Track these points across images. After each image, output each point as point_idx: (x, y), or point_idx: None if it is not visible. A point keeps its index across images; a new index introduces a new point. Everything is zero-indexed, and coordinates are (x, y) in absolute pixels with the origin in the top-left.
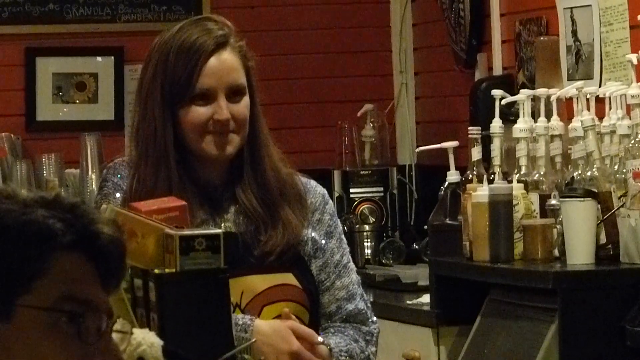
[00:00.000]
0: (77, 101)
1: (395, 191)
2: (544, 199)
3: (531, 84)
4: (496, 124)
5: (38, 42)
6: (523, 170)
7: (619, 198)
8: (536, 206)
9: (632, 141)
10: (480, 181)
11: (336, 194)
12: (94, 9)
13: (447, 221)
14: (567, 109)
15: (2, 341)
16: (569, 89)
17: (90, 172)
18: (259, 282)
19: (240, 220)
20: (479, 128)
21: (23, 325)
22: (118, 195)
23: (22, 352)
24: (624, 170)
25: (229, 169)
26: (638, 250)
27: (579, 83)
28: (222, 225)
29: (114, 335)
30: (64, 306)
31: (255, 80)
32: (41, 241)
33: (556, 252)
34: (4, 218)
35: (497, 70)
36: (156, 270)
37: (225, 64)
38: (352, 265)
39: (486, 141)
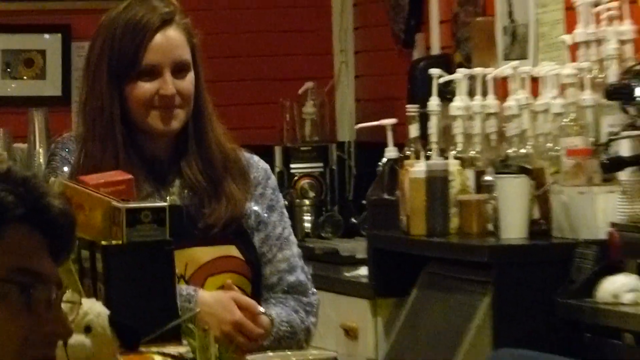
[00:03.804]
0: (25, 77)
1: (334, 167)
2: (479, 175)
3: (468, 63)
4: (433, 102)
5: None
6: (459, 147)
7: (552, 175)
8: (472, 182)
9: (565, 119)
10: (418, 157)
11: (277, 169)
12: None
13: (385, 196)
14: (502, 88)
15: None
16: (505, 69)
17: (37, 147)
18: (203, 254)
19: (185, 193)
20: (417, 106)
21: None
22: (66, 169)
23: None
24: (557, 148)
25: (174, 143)
26: (570, 225)
27: (514, 63)
28: (168, 198)
29: (63, 306)
30: (14, 277)
31: (200, 56)
32: None
33: (491, 227)
34: None
35: (435, 50)
36: (103, 242)
37: (171, 40)
38: (293, 238)
39: (424, 119)
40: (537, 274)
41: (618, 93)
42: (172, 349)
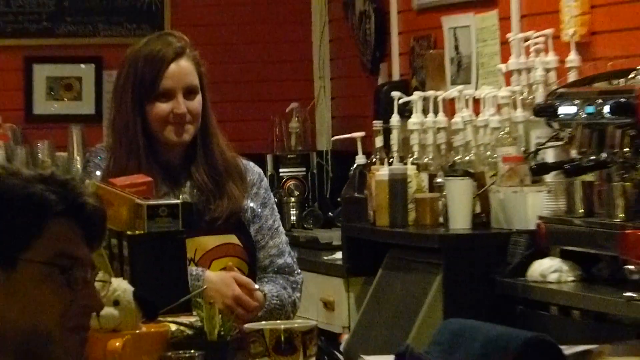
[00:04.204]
0: (65, 99)
1: (315, 171)
2: (432, 177)
3: (422, 87)
4: (394, 119)
5: (34, 52)
6: (415, 155)
7: (491, 177)
8: (426, 183)
9: (501, 133)
10: (382, 163)
11: (269, 173)
12: (79, 26)
13: (356, 195)
14: (450, 107)
15: (8, 287)
16: (452, 92)
17: (75, 155)
18: (209, 241)
19: (194, 192)
20: (381, 122)
21: (25, 275)
22: (98, 173)
23: (24, 297)
24: (495, 156)
25: (185, 152)
26: (505, 218)
27: (460, 87)
28: (180, 196)
29: (96, 284)
30: (57, 261)
31: (206, 82)
32: (39, 209)
33: (441, 219)
34: (10, 191)
35: (396, 77)
36: (128, 232)
37: (182, 69)
38: (281, 228)
39: (387, 132)
40: (479, 258)
41: (544, 111)
42: (184, 319)
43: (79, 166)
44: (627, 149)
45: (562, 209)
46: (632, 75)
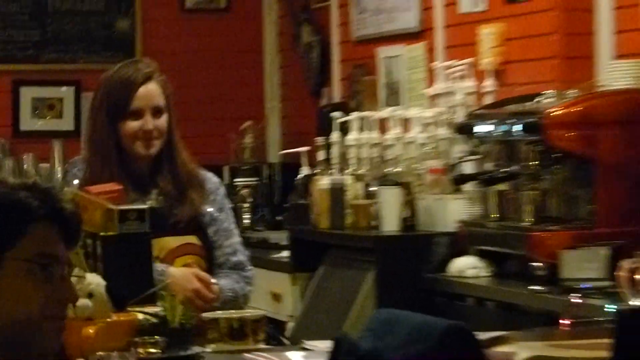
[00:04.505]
0: (48, 117)
1: (265, 180)
2: (366, 186)
3: (359, 108)
4: (335, 136)
5: (21, 76)
6: (353, 167)
7: (417, 186)
8: (361, 191)
9: (427, 148)
10: (323, 174)
11: (225, 182)
12: (60, 54)
13: (301, 201)
14: (383, 126)
15: None
16: (384, 112)
17: (56, 166)
18: (172, 241)
19: (160, 199)
20: (324, 138)
21: (9, 271)
22: (76, 182)
23: (8, 290)
24: (421, 168)
25: (152, 164)
26: (430, 221)
27: (392, 108)
28: (147, 203)
29: (72, 278)
30: (38, 259)
31: (172, 103)
32: (23, 213)
33: (374, 223)
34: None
35: (336, 99)
36: (102, 233)
37: (150, 92)
38: (236, 230)
39: (328, 147)
40: (406, 256)
41: (463, 130)
42: (150, 309)
43: (59, 176)
44: (534, 163)
45: (478, 214)
46: (538, 99)
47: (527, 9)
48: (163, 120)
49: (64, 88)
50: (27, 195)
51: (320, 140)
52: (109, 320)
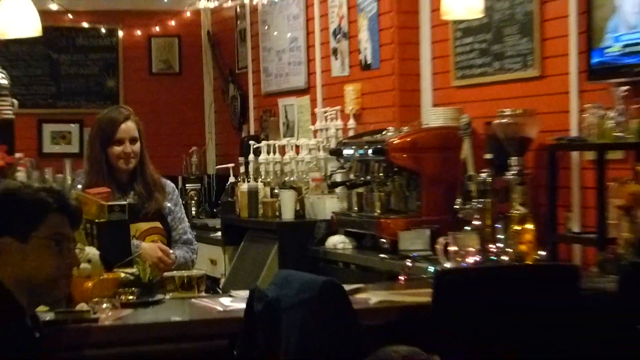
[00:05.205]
0: (62, 144)
1: (206, 186)
2: (272, 190)
3: (267, 138)
4: (251, 157)
5: (43, 116)
6: (263, 177)
7: (305, 190)
8: (268, 193)
9: (311, 165)
10: (244, 182)
11: (179, 186)
12: (69, 102)
13: (229, 199)
14: (282, 150)
15: (23, 253)
16: (283, 141)
17: (67, 176)
18: (143, 225)
19: (135, 198)
20: (244, 158)
21: (35, 245)
22: (79, 187)
23: (34, 258)
24: (308, 178)
25: (130, 174)
26: (314, 212)
27: (288, 138)
28: (127, 200)
29: (76, 250)
30: (53, 237)
31: (143, 134)
32: (43, 207)
33: (277, 214)
34: (25, 196)
35: (252, 132)
36: (96, 220)
37: (128, 127)
38: (186, 218)
39: (247, 164)
40: (298, 235)
41: (335, 153)
42: (129, 270)
43: (68, 183)
44: (381, 174)
45: (345, 207)
46: (383, 133)
47: (376, 74)
48: (137, 146)
49: (72, 125)
50: (46, 195)
51: (241, 159)
52: (101, 277)
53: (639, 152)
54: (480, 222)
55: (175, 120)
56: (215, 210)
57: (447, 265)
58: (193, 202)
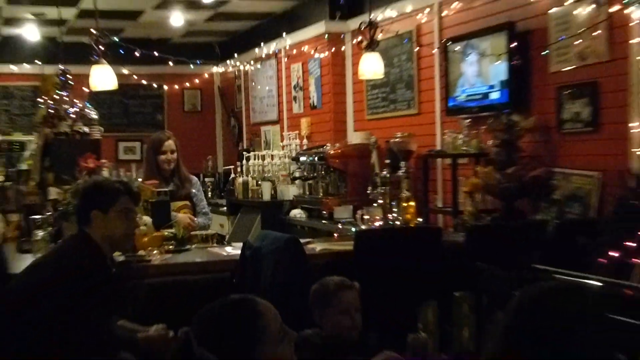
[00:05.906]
0: (129, 154)
1: (217, 179)
2: (257, 182)
3: (254, 151)
4: (244, 161)
5: (118, 137)
6: (251, 173)
7: (277, 181)
8: (255, 183)
9: (281, 166)
10: (240, 176)
11: (200, 179)
12: (133, 129)
13: (231, 187)
14: (264, 158)
15: (106, 221)
16: (265, 153)
17: (133, 175)
18: (179, 203)
19: (173, 187)
20: (240, 162)
21: (113, 216)
22: (140, 179)
23: (113, 224)
24: (279, 174)
25: (171, 172)
26: (282, 195)
27: (268, 151)
28: (168, 188)
29: (137, 218)
30: (124, 210)
31: (179, 148)
32: (117, 192)
33: (260, 196)
34: (108, 185)
35: (245, 147)
36: (150, 200)
37: (170, 143)
38: (204, 199)
39: (242, 166)
40: (272, 209)
41: (295, 159)
42: (169, 230)
43: (133, 178)
44: (323, 172)
45: (301, 192)
46: (324, 147)
47: (320, 112)
48: (175, 155)
49: (136, 142)
50: (119, 185)
51: (239, 163)
52: (153, 235)
53: (477, 159)
54: (382, 201)
55: (198, 140)
56: (222, 194)
57: (363, 227)
58: (209, 189)
